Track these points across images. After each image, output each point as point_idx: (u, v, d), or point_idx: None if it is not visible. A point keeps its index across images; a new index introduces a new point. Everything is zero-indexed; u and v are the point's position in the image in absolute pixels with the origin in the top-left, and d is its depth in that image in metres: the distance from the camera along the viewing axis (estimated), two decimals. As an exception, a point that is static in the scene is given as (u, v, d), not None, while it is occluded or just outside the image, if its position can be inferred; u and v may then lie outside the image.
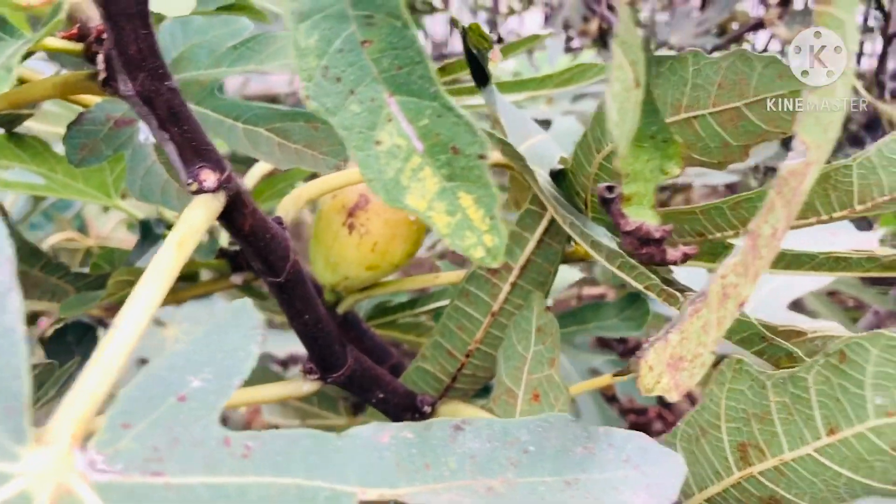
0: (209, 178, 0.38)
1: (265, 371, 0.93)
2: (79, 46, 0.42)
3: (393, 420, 0.56)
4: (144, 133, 0.54)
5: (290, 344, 1.08)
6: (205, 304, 1.00)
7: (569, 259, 0.61)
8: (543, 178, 0.51)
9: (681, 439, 0.43)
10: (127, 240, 1.11)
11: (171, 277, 0.33)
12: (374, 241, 0.61)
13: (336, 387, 0.53)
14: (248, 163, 0.73)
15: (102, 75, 0.38)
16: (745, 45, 2.46)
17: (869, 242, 0.67)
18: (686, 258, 0.34)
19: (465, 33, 0.49)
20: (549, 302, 0.62)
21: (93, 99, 0.55)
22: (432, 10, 2.82)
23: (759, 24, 2.24)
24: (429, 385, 0.59)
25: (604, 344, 1.78)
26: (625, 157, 0.32)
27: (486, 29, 0.48)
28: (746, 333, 0.43)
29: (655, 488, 0.31)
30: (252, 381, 0.52)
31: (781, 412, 0.39)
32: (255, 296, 0.82)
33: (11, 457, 0.25)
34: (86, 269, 0.71)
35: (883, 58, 1.64)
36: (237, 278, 0.68)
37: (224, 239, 0.76)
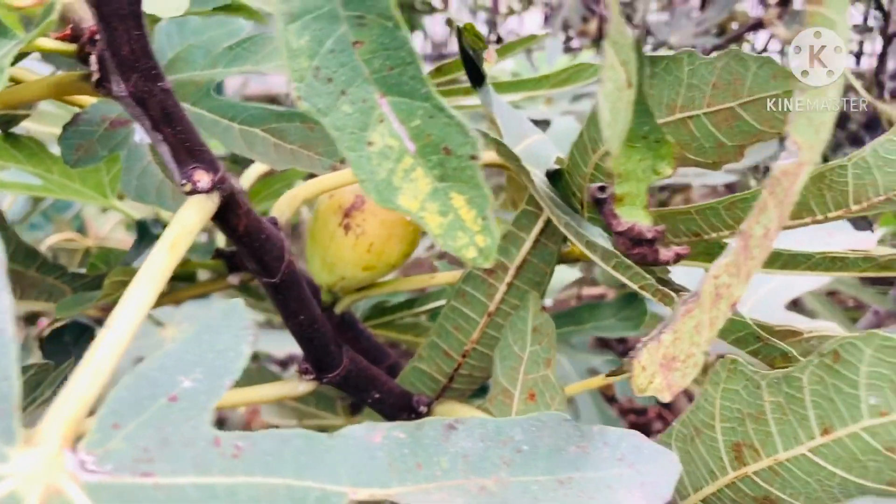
0: (203, 178, 0.38)
1: (262, 371, 0.93)
2: (72, 47, 0.42)
3: (389, 420, 0.56)
4: (140, 134, 0.54)
5: (289, 344, 1.08)
6: (203, 305, 1.00)
7: (566, 259, 0.61)
8: (539, 178, 0.51)
9: (676, 439, 0.43)
10: (125, 240, 1.11)
11: (164, 278, 0.33)
12: (371, 241, 0.61)
13: (333, 387, 0.53)
14: (245, 163, 0.74)
15: (96, 76, 0.38)
16: (745, 45, 2.45)
17: (867, 242, 0.67)
18: (679, 258, 0.34)
19: (459, 33, 0.49)
20: (548, 302, 0.62)
21: (88, 100, 0.55)
22: (432, 10, 2.81)
23: (758, 24, 2.24)
24: (425, 385, 0.59)
25: (604, 344, 1.78)
26: (617, 158, 0.32)
27: (485, 29, 0.48)
28: (741, 333, 0.43)
29: (649, 487, 0.31)
30: (250, 381, 0.52)
31: (776, 412, 0.39)
32: (253, 296, 0.83)
33: (1, 458, 0.25)
34: (83, 270, 0.72)
35: (882, 58, 1.64)
36: (234, 279, 0.68)
37: (221, 239, 0.76)
